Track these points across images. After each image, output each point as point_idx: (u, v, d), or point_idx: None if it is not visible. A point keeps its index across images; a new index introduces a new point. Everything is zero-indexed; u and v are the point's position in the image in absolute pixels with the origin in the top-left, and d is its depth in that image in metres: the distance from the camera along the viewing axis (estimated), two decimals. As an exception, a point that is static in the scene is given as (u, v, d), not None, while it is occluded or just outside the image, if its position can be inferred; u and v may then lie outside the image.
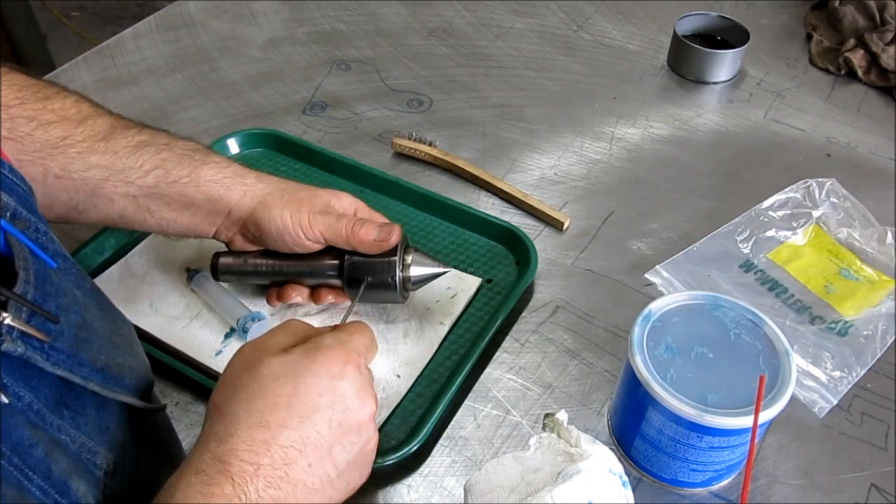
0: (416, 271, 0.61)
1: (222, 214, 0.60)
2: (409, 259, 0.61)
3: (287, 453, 0.40)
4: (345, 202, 0.62)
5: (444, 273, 0.63)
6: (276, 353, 0.44)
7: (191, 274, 0.68)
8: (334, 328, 0.49)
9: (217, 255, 0.64)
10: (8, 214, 0.38)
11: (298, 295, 0.64)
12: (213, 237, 0.62)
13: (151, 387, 0.47)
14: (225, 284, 0.67)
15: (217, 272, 0.64)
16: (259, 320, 0.63)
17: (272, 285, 0.65)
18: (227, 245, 0.63)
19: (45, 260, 0.38)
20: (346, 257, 0.61)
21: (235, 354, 0.46)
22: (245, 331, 0.62)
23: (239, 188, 0.59)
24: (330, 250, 0.61)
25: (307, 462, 0.41)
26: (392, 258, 0.60)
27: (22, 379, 0.35)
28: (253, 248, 0.62)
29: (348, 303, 0.66)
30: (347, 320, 0.51)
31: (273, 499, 0.39)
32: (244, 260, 0.63)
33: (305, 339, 0.46)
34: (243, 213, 0.59)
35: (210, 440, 0.40)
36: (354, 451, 0.44)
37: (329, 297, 0.64)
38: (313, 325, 0.49)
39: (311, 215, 0.59)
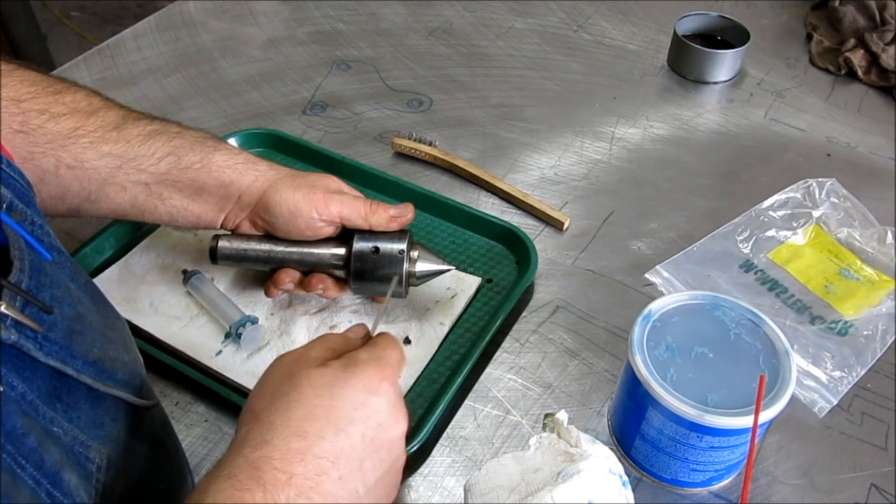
0: (421, 266, 0.62)
1: (232, 200, 0.60)
2: (414, 254, 0.62)
3: (320, 464, 0.40)
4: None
5: (448, 270, 0.63)
6: (315, 365, 0.45)
7: (187, 276, 0.68)
8: (367, 342, 0.49)
9: (217, 237, 0.63)
10: (4, 206, 0.38)
11: (291, 281, 0.63)
12: (221, 225, 0.62)
13: (144, 383, 0.47)
14: (220, 287, 0.67)
15: (216, 255, 0.63)
16: (253, 324, 0.63)
17: (268, 277, 0.65)
18: (232, 232, 0.63)
19: (41, 251, 0.38)
20: (354, 242, 0.60)
21: (274, 363, 0.46)
22: (238, 336, 0.62)
23: (251, 174, 0.60)
24: (333, 240, 0.62)
25: (338, 475, 0.41)
26: (401, 248, 0.60)
27: (15, 369, 0.35)
28: (258, 234, 0.62)
29: (340, 297, 0.66)
30: (376, 330, 0.51)
31: None
32: (245, 244, 0.62)
33: (341, 354, 0.47)
34: (253, 197, 0.60)
35: (245, 445, 0.40)
36: (384, 468, 0.44)
37: (320, 286, 0.63)
38: (348, 337, 0.50)
39: (325, 195, 0.59)
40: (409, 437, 0.56)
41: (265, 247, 0.62)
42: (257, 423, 0.42)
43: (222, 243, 0.63)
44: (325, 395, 0.43)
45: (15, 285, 0.35)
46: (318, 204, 0.59)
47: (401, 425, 0.45)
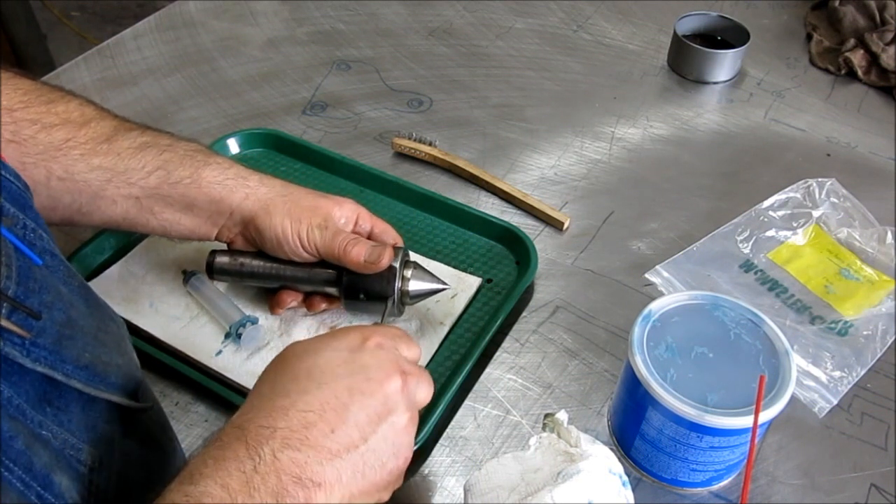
0: (414, 286, 0.62)
1: (224, 216, 0.60)
2: (408, 273, 0.61)
3: (306, 417, 0.40)
4: (347, 210, 0.62)
5: (443, 290, 0.63)
6: (302, 340, 0.46)
7: (187, 276, 0.67)
8: None
9: (214, 253, 0.64)
10: None
11: (294, 300, 0.64)
12: (216, 238, 0.62)
13: (139, 385, 0.47)
14: (221, 287, 0.67)
15: (212, 271, 0.63)
16: (253, 324, 0.63)
17: (270, 292, 0.65)
18: (228, 245, 0.63)
19: (30, 256, 0.38)
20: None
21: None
22: (239, 336, 0.62)
23: (241, 190, 0.59)
24: None
25: (329, 427, 0.40)
26: (392, 273, 0.60)
27: (2, 374, 0.35)
28: (253, 249, 0.62)
29: (342, 309, 0.66)
30: None
31: (293, 461, 0.38)
32: (241, 261, 0.63)
33: None
34: (245, 215, 0.59)
35: (235, 416, 0.42)
36: (383, 424, 0.43)
37: (322, 305, 0.65)
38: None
39: (309, 228, 0.59)
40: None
41: (260, 264, 0.62)
42: (247, 398, 0.43)
43: (219, 259, 0.63)
44: (309, 359, 0.44)
45: (1, 292, 0.35)
46: (301, 235, 0.59)
47: (394, 380, 0.44)
